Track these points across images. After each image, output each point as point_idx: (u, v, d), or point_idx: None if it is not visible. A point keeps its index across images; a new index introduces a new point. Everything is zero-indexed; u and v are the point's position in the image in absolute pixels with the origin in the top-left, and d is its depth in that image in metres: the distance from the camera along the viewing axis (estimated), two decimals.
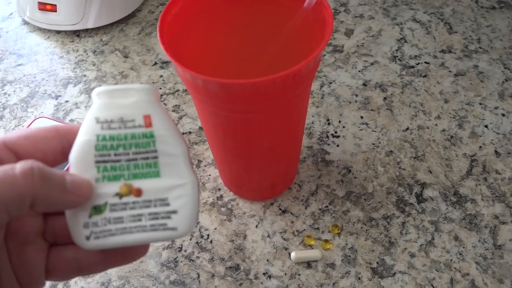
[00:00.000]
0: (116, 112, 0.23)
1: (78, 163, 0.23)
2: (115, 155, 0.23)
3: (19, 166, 0.19)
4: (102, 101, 0.23)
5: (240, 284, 0.38)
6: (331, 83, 0.53)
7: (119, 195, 0.23)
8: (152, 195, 0.23)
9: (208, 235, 0.41)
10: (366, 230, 0.41)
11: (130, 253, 0.24)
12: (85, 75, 0.57)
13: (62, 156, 0.23)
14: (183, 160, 0.23)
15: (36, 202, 0.20)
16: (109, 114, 0.23)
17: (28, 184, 0.19)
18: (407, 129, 0.48)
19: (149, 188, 0.23)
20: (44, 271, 0.24)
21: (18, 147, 0.22)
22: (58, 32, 0.63)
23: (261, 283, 0.38)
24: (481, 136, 0.47)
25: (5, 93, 0.56)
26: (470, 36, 0.57)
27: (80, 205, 0.22)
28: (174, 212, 0.23)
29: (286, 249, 0.40)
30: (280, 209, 0.43)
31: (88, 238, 0.22)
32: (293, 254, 0.39)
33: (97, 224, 0.22)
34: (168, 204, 0.23)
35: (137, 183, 0.23)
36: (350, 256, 0.39)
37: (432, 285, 0.37)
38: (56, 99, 0.54)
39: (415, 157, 0.46)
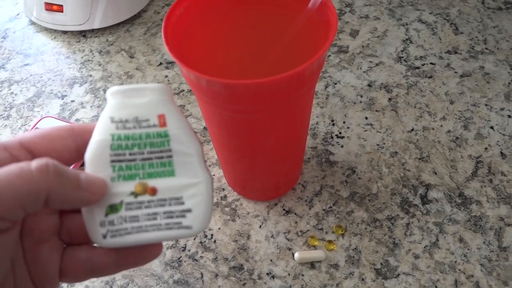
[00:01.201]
0: (130, 111, 0.23)
1: (94, 162, 0.23)
2: (130, 154, 0.23)
3: (35, 163, 0.20)
4: (117, 101, 0.23)
5: (244, 284, 0.38)
6: (336, 83, 0.53)
7: (135, 194, 0.23)
8: (167, 194, 0.23)
9: (212, 235, 0.41)
10: (370, 231, 0.41)
11: (143, 255, 0.24)
12: (91, 75, 0.57)
13: (77, 155, 0.24)
14: (197, 159, 0.24)
15: (51, 198, 0.20)
16: (123, 114, 0.23)
17: (43, 180, 0.19)
18: (412, 130, 0.48)
19: (164, 187, 0.23)
20: (58, 270, 0.24)
21: (34, 146, 0.22)
22: (65, 32, 0.63)
23: (265, 283, 0.38)
24: (486, 137, 0.47)
25: (12, 93, 0.56)
26: (476, 37, 0.57)
27: (95, 203, 0.22)
28: (189, 210, 0.23)
29: (289, 249, 0.40)
30: (284, 209, 0.43)
31: (105, 236, 0.23)
32: (296, 255, 0.39)
33: (113, 222, 0.23)
34: (182, 203, 0.23)
35: (152, 182, 0.23)
36: (354, 257, 0.39)
37: (436, 287, 0.37)
38: (62, 98, 0.55)
39: (420, 158, 0.45)
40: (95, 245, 0.24)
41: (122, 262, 0.24)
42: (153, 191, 0.23)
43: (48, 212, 0.24)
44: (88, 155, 0.23)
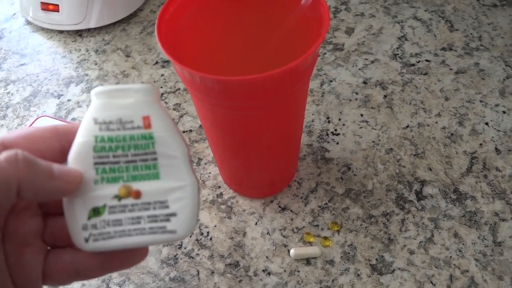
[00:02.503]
0: (114, 113, 0.23)
1: (76, 164, 0.22)
2: (114, 156, 0.23)
3: (4, 153, 0.19)
4: (101, 102, 0.23)
5: (240, 281, 0.38)
6: (331, 81, 0.53)
7: (118, 197, 0.23)
8: (151, 197, 0.23)
9: (208, 232, 0.41)
10: (366, 227, 0.41)
11: (128, 258, 0.24)
12: (87, 74, 0.57)
13: (61, 155, 0.23)
14: (183, 161, 0.23)
15: (23, 188, 0.20)
16: (107, 115, 0.22)
17: (12, 169, 0.19)
18: (407, 126, 0.48)
19: (149, 190, 0.23)
20: (41, 274, 0.23)
21: (16, 146, 0.22)
22: (61, 32, 0.63)
23: (261, 279, 0.38)
24: (481, 133, 0.47)
25: (8, 92, 0.56)
26: (471, 33, 0.57)
27: (71, 193, 0.22)
28: (173, 214, 0.23)
29: (285, 246, 0.40)
30: (279, 206, 0.43)
31: (87, 240, 0.22)
32: (292, 251, 0.39)
33: (96, 226, 0.22)
34: (167, 207, 0.23)
35: (136, 185, 0.23)
36: (349, 253, 0.39)
37: (431, 282, 0.37)
38: (59, 98, 0.55)
39: (415, 155, 0.46)
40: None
41: (107, 265, 0.24)
42: (137, 195, 0.23)
43: (31, 214, 0.24)
44: (71, 156, 0.22)
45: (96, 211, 0.22)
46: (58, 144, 0.23)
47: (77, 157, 0.22)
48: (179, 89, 0.54)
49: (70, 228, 0.23)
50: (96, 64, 0.58)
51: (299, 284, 0.38)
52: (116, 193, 0.23)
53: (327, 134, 0.48)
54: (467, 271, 0.38)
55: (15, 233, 0.23)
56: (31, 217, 0.24)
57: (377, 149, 0.46)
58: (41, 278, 0.24)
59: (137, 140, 0.23)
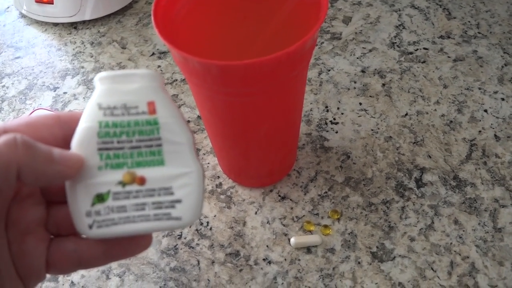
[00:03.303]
0: (119, 98, 0.22)
1: (80, 150, 0.22)
2: (118, 142, 0.22)
3: (3, 137, 0.19)
4: (105, 87, 0.22)
5: (240, 270, 0.38)
6: (329, 70, 0.53)
7: (122, 184, 0.22)
8: (156, 184, 0.23)
9: (207, 222, 0.41)
10: (366, 215, 0.41)
11: (131, 246, 0.24)
12: (83, 67, 0.57)
13: (63, 143, 0.23)
14: (188, 148, 0.23)
15: (23, 172, 0.19)
16: (112, 100, 0.22)
17: (11, 153, 0.19)
18: (406, 114, 0.48)
19: (153, 177, 0.22)
20: (44, 262, 0.23)
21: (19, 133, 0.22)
22: (56, 24, 0.63)
23: (261, 268, 0.38)
24: (480, 120, 0.47)
25: (3, 86, 0.55)
26: (469, 21, 0.57)
27: (71, 178, 0.22)
28: (178, 201, 0.23)
29: (285, 235, 0.40)
30: (279, 195, 0.42)
31: (90, 226, 0.22)
32: (292, 240, 0.39)
33: (99, 212, 0.22)
34: (172, 193, 0.23)
35: (140, 172, 0.22)
36: (349, 241, 0.39)
37: (432, 269, 0.37)
38: (54, 90, 0.54)
39: (414, 142, 0.45)
40: (82, 236, 0.23)
41: (110, 253, 0.24)
42: (142, 181, 0.22)
43: (34, 202, 0.24)
44: (75, 142, 0.22)
45: (100, 198, 0.22)
46: (61, 131, 0.23)
47: (80, 143, 0.22)
48: (176, 80, 0.53)
49: (74, 214, 0.22)
50: (91, 56, 0.58)
51: (300, 272, 0.38)
52: (120, 179, 0.22)
53: (326, 123, 0.48)
54: (468, 257, 0.38)
55: (18, 221, 0.23)
56: (34, 205, 0.24)
57: (376, 137, 0.46)
58: (44, 266, 0.23)
59: (141, 126, 0.22)
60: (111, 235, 0.22)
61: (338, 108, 0.49)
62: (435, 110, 0.48)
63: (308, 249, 0.39)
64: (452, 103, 0.49)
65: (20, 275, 0.23)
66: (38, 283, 0.24)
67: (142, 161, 0.23)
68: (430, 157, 0.44)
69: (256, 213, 0.41)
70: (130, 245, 0.24)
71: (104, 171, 0.22)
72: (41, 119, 0.23)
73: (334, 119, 0.48)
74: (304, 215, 0.41)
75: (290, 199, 0.42)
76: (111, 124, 0.22)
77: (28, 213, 0.23)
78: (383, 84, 0.51)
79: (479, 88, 0.50)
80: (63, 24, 0.62)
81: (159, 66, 0.55)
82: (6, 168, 0.19)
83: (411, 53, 0.54)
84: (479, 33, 0.55)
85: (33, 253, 0.23)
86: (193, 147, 0.24)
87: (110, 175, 0.22)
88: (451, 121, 0.47)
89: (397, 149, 0.45)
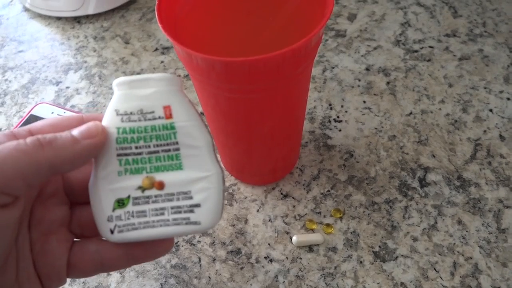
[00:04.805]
0: (135, 103, 0.22)
1: (100, 156, 0.22)
2: (136, 148, 0.22)
3: (28, 140, 0.20)
4: (122, 92, 0.23)
5: (241, 268, 0.38)
6: (333, 67, 0.52)
7: (142, 189, 0.23)
8: (175, 188, 0.23)
9: None
10: (369, 214, 0.40)
11: (153, 249, 0.24)
12: (85, 61, 0.56)
13: None
14: (206, 151, 0.23)
15: (56, 165, 0.20)
16: (128, 106, 0.22)
17: (39, 150, 0.20)
18: (411, 113, 0.47)
19: (172, 181, 0.23)
20: (65, 263, 0.24)
21: (43, 133, 0.22)
22: (59, 18, 0.62)
23: (263, 267, 0.38)
24: (485, 120, 0.46)
25: (6, 80, 0.55)
26: (475, 19, 0.56)
27: (101, 146, 0.22)
28: (197, 205, 0.23)
29: (287, 233, 0.40)
30: (281, 193, 0.42)
31: (112, 231, 0.22)
32: (294, 238, 0.39)
33: (120, 217, 0.22)
34: (191, 198, 0.23)
35: (159, 176, 0.23)
36: (352, 240, 0.39)
37: (434, 269, 0.37)
38: (57, 85, 0.54)
39: (418, 142, 0.45)
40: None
41: (132, 256, 0.24)
42: (161, 186, 0.23)
43: (58, 202, 0.24)
44: None
45: (120, 203, 0.23)
46: None
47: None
48: (179, 76, 0.53)
49: (97, 219, 0.23)
50: (95, 51, 0.57)
51: (302, 271, 0.37)
52: (139, 184, 0.23)
53: (330, 121, 0.47)
54: (471, 258, 0.37)
55: (41, 220, 0.23)
56: (57, 204, 0.24)
57: (380, 136, 0.46)
58: (65, 267, 0.24)
59: (158, 131, 0.22)
60: (131, 240, 0.23)
61: (342, 106, 0.49)
62: (440, 109, 0.48)
63: (310, 248, 0.39)
64: (457, 102, 0.48)
65: (40, 276, 0.23)
66: (58, 287, 0.24)
67: (160, 166, 0.23)
68: (434, 156, 0.44)
69: (258, 211, 0.41)
70: (152, 248, 0.24)
71: (124, 177, 0.23)
72: (65, 120, 0.24)
73: (338, 117, 0.48)
74: (306, 214, 0.41)
75: (293, 197, 0.42)
76: (128, 130, 0.22)
77: (51, 212, 0.24)
78: (388, 82, 0.50)
79: (485, 88, 0.49)
80: (66, 18, 0.62)
81: (162, 62, 0.55)
82: (36, 166, 0.20)
83: (416, 51, 0.53)
84: (485, 31, 0.55)
85: (55, 253, 0.23)
86: (212, 149, 0.24)
87: (129, 180, 0.23)
88: (456, 121, 0.47)
89: (401, 148, 0.45)
